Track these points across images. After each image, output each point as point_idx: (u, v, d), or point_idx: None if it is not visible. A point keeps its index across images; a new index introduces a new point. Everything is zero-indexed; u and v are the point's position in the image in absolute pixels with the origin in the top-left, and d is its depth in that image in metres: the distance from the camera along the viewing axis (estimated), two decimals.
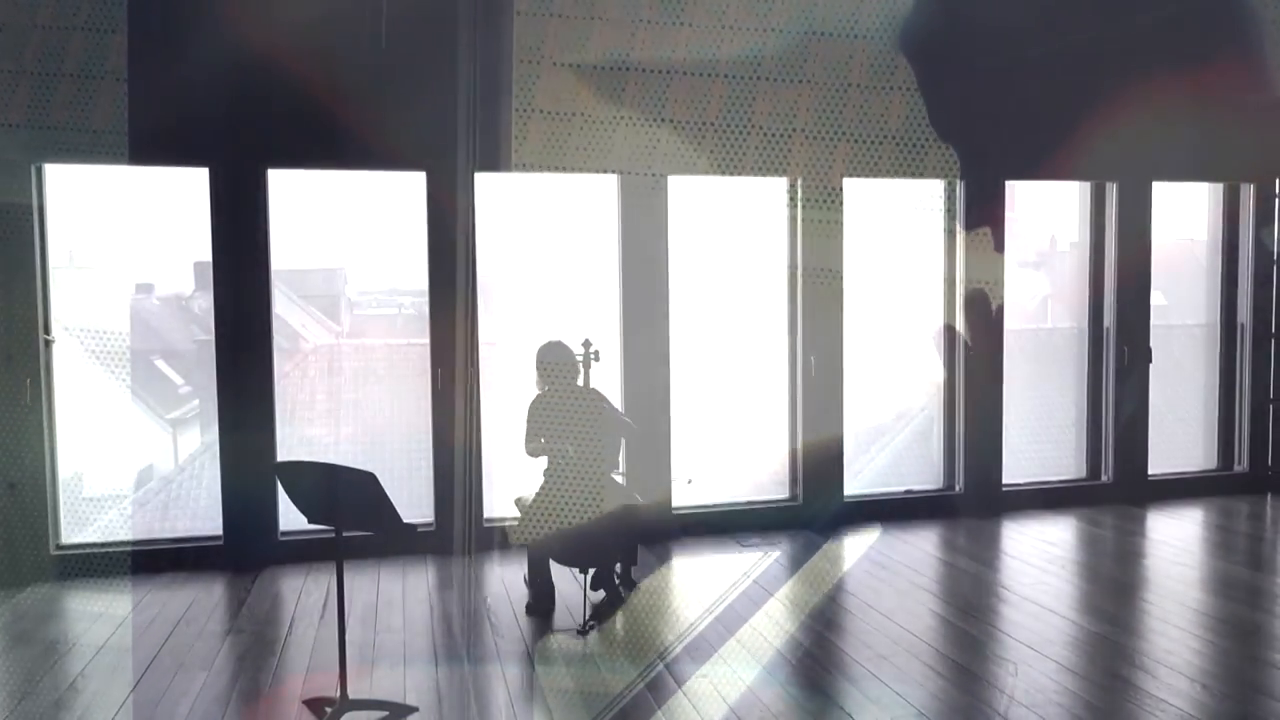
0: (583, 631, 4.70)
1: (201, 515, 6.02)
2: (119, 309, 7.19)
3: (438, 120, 5.73)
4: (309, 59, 5.52)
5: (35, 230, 5.46)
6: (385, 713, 3.83)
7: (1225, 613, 4.82)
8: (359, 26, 5.59)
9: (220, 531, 5.80)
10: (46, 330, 5.57)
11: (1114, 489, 7.06)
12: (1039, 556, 5.82)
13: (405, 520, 3.92)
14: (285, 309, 7.05)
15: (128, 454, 7.21)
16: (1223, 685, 4.01)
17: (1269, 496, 7.21)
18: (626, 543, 5.19)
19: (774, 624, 4.76)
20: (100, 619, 4.95)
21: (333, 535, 3.82)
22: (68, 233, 6.26)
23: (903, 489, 6.88)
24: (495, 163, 5.87)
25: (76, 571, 5.56)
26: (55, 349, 5.67)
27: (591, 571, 4.97)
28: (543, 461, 5.12)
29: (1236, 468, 7.42)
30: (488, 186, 6.04)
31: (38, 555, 5.54)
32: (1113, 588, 5.35)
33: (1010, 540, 6.24)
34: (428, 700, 3.96)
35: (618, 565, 5.21)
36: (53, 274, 5.75)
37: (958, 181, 6.70)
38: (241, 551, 5.73)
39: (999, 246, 6.71)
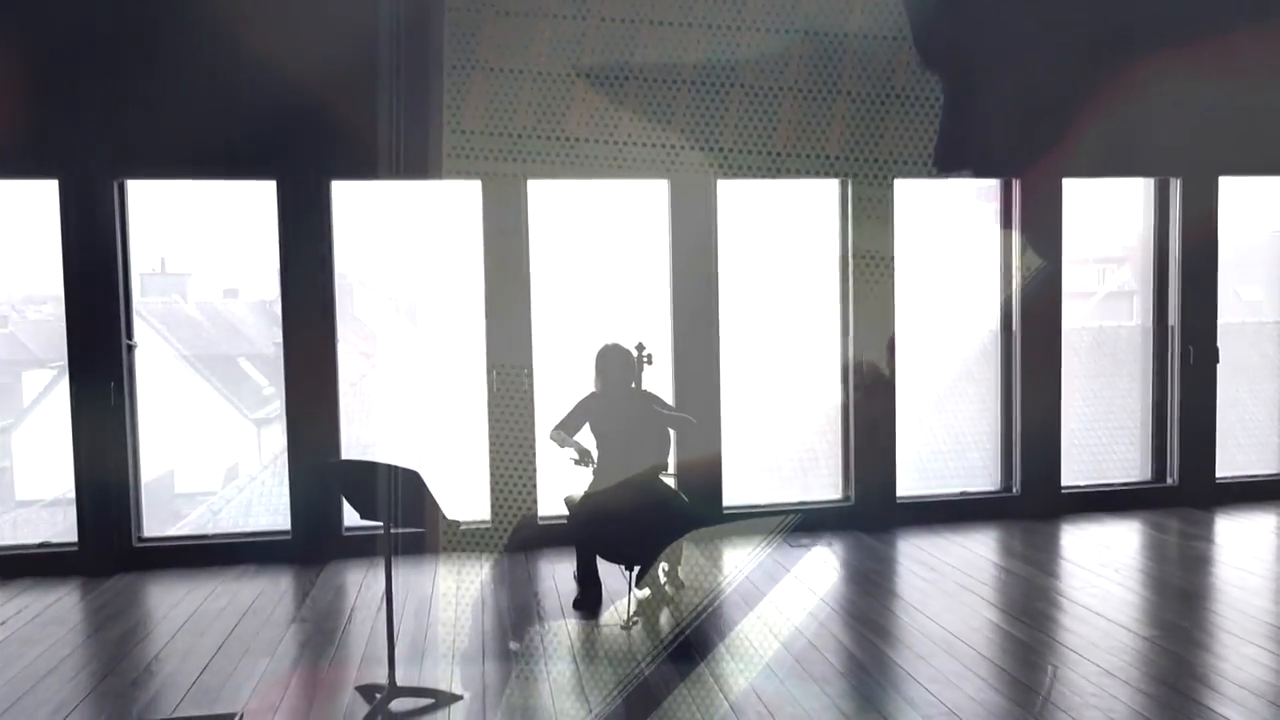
0: (626, 627, 4.82)
1: (282, 511, 6.28)
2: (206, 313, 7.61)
3: (490, 131, 5.92)
4: (362, 77, 5.78)
5: (117, 241, 5.80)
6: (431, 700, 4.01)
7: None
8: (409, 44, 5.83)
9: (289, 527, 6.09)
10: (129, 335, 5.92)
11: (1179, 492, 6.89)
12: (1095, 561, 5.72)
13: (459, 518, 4.09)
14: (363, 311, 7.34)
15: (216, 452, 7.61)
16: None
17: None
18: (672, 542, 5.28)
19: (818, 624, 4.80)
20: (175, 607, 5.25)
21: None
22: (159, 242, 6.68)
23: (958, 490, 6.83)
24: (549, 171, 6.06)
25: (156, 563, 5.90)
26: (138, 353, 6.00)
27: (637, 569, 5.08)
28: (579, 461, 5.26)
29: None
30: (543, 192, 6.22)
31: (121, 548, 5.89)
32: (1172, 594, 5.24)
33: (1068, 544, 6.15)
34: (474, 689, 4.13)
35: (664, 564, 5.31)
36: (139, 281, 6.12)
37: (1014, 180, 6.64)
38: (308, 546, 6.00)
39: (1054, 244, 6.61)
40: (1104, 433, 7.23)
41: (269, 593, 5.46)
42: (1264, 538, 6.28)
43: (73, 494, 5.89)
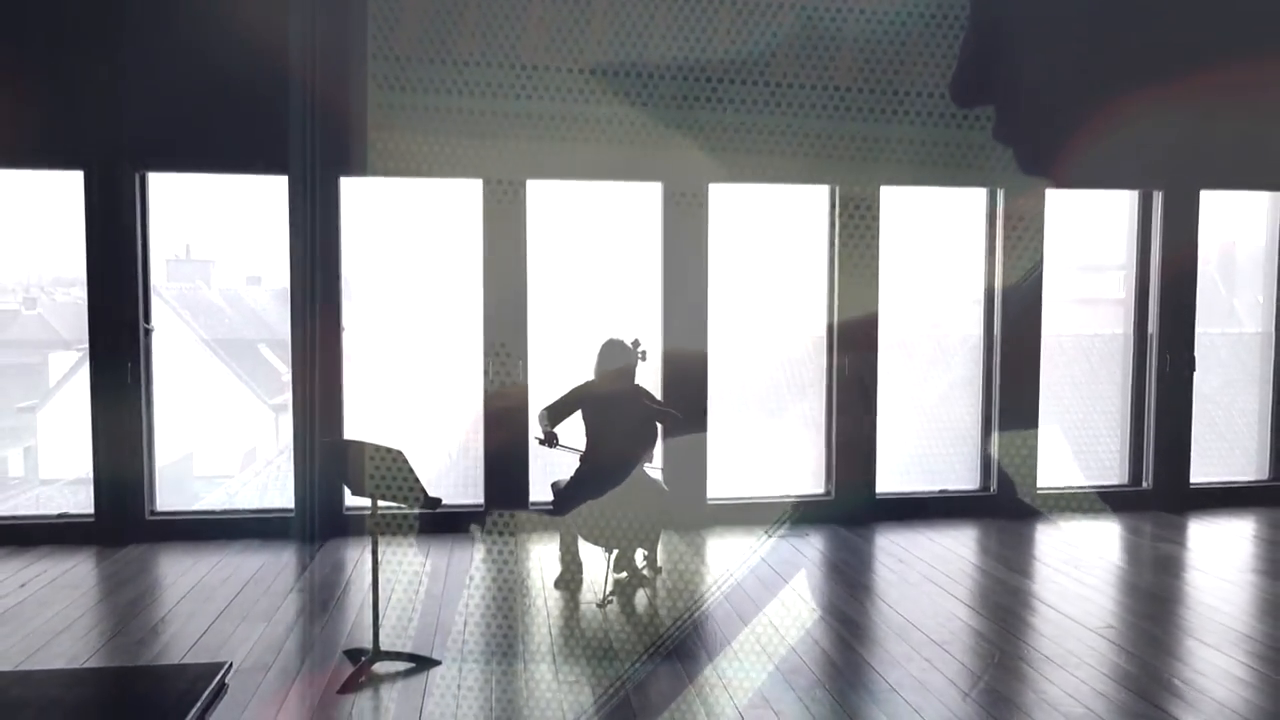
0: (601, 605, 5.10)
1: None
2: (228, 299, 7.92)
3: (497, 132, 6.22)
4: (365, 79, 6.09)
5: (137, 230, 6.14)
6: (412, 664, 4.30)
7: (1257, 632, 4.78)
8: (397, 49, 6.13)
9: (293, 505, 6.41)
10: (146, 320, 6.26)
11: (1154, 496, 7.08)
12: (1060, 558, 5.94)
13: (445, 498, 4.38)
14: (369, 301, 7.59)
15: (235, 437, 7.92)
16: (1255, 714, 3.85)
17: None
18: (650, 529, 5.55)
19: (780, 607, 5.05)
20: (183, 576, 5.59)
21: (394, 510, 4.32)
22: (184, 230, 7.00)
23: (937, 488, 7.05)
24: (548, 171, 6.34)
25: (167, 535, 6.25)
26: (154, 337, 6.35)
27: (615, 552, 5.36)
28: (572, 447, 5.53)
29: None
30: (540, 192, 6.51)
31: (135, 520, 6.24)
32: (1128, 592, 5.46)
33: (1040, 543, 6.36)
34: (453, 655, 4.42)
35: (642, 549, 5.58)
36: (164, 266, 6.46)
37: (998, 190, 6.85)
38: (310, 523, 6.32)
39: (1038, 254, 6.82)
40: (1085, 436, 7.42)
41: (271, 565, 5.79)
42: (1229, 542, 6.45)
43: (91, 471, 6.25)
